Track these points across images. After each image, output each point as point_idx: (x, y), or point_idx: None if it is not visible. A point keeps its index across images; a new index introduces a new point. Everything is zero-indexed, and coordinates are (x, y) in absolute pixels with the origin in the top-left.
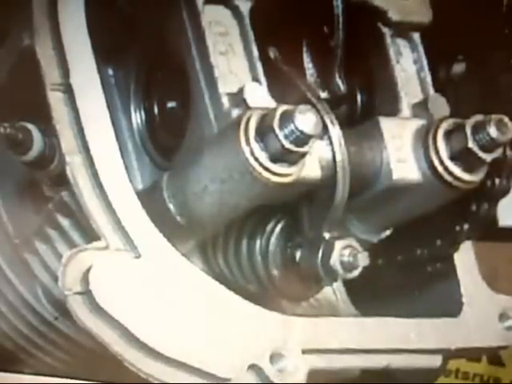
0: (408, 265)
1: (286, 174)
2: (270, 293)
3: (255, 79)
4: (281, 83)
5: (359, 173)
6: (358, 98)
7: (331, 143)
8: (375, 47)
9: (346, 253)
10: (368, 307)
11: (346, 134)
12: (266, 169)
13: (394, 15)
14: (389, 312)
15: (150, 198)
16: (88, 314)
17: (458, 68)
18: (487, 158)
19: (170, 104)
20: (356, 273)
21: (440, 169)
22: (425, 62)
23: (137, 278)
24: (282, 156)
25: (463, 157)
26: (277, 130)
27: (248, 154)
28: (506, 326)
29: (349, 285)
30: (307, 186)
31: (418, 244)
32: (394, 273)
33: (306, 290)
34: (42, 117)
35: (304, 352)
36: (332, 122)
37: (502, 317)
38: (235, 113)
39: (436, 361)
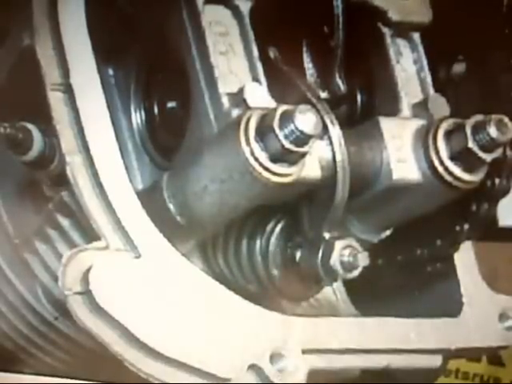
0: (408, 265)
1: (286, 174)
2: (270, 293)
3: (255, 79)
4: (281, 83)
5: (359, 173)
6: (358, 98)
7: (331, 143)
8: (375, 47)
9: (346, 253)
10: (368, 307)
11: (346, 133)
12: (266, 169)
13: (394, 15)
14: (389, 312)
15: (149, 198)
16: (88, 314)
17: (458, 68)
18: (487, 157)
19: (170, 104)
20: (356, 273)
21: (440, 169)
22: (425, 62)
23: (137, 278)
24: (282, 156)
25: (463, 157)
26: (277, 130)
27: (248, 154)
28: (506, 326)
29: (349, 285)
30: (307, 186)
31: (418, 244)
32: (393, 273)
33: (306, 290)
34: (42, 117)
35: (304, 352)
36: (332, 122)
37: (502, 317)
38: (235, 113)
39: (436, 361)
